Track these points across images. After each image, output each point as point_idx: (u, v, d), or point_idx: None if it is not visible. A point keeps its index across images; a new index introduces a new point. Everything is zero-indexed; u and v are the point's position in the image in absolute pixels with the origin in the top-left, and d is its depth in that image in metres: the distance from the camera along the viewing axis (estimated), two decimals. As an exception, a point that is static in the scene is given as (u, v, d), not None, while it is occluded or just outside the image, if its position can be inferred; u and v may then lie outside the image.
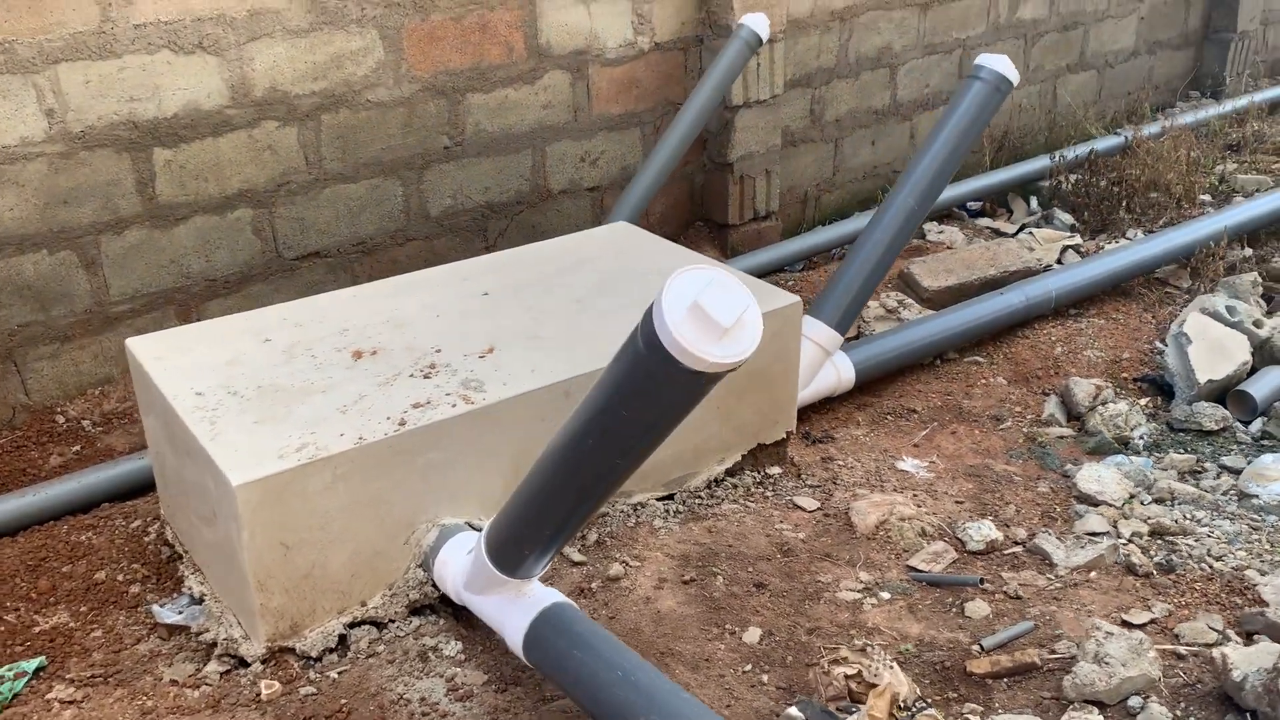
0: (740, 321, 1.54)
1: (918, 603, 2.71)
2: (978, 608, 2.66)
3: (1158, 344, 4.39)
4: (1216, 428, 3.81)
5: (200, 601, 2.83)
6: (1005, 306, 4.30)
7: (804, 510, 3.19)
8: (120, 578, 3.01)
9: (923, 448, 3.66)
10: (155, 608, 2.82)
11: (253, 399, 2.71)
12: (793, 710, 2.19)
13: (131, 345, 2.98)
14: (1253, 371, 4.07)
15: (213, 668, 2.59)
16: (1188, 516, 3.18)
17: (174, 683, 2.57)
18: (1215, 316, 4.19)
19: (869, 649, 2.41)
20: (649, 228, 5.01)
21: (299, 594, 2.55)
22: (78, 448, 3.69)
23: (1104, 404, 3.92)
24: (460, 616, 2.74)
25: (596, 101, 4.76)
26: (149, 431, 3.05)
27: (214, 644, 2.66)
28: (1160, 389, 4.14)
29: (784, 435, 3.45)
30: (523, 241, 4.73)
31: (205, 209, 3.89)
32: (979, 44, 6.24)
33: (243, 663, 2.60)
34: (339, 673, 2.54)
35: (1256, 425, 3.85)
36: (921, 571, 2.83)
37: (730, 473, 3.31)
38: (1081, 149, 6.15)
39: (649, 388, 1.66)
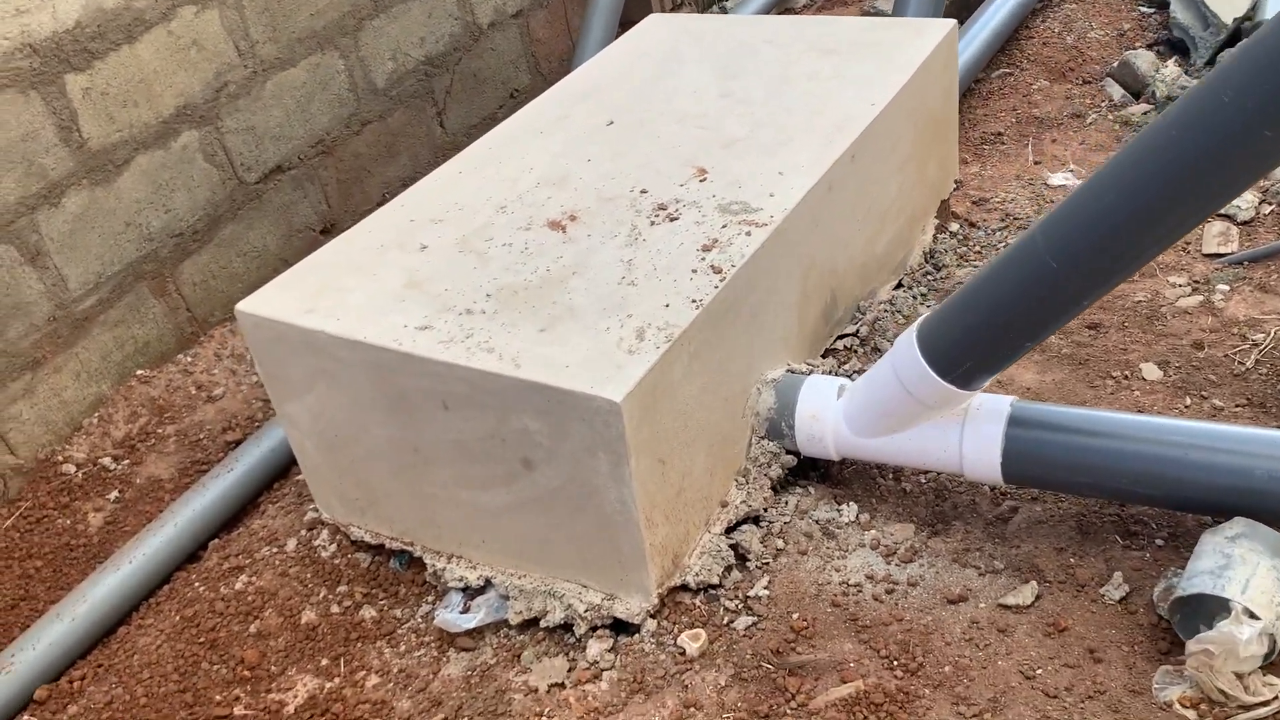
0: None
1: (1264, 281, 2.49)
2: (1329, 262, 2.47)
3: (1142, 8, 4.32)
4: (1268, 60, 3.78)
5: (482, 589, 2.18)
6: (1006, 9, 4.02)
7: (1032, 248, 2.86)
8: (336, 609, 2.28)
9: (1045, 162, 3.40)
10: (445, 616, 2.14)
11: (499, 310, 2.02)
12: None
13: (250, 308, 2.16)
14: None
15: (595, 649, 1.99)
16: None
17: (557, 686, 1.96)
18: (1207, -42, 4.12)
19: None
20: (571, 44, 4.37)
21: (675, 517, 1.98)
22: (115, 494, 2.77)
23: (1157, 70, 3.80)
24: (823, 478, 2.26)
25: (499, -94, 3.98)
26: (296, 417, 2.26)
27: (566, 625, 2.05)
28: (1174, 48, 4.07)
29: (954, 185, 3.09)
30: (470, 99, 3.97)
31: (145, 144, 2.91)
32: None
33: (624, 628, 2.02)
34: (764, 589, 2.01)
35: (1293, 49, 3.86)
36: (1226, 255, 2.60)
37: (934, 239, 2.94)
38: None
39: None
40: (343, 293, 2.16)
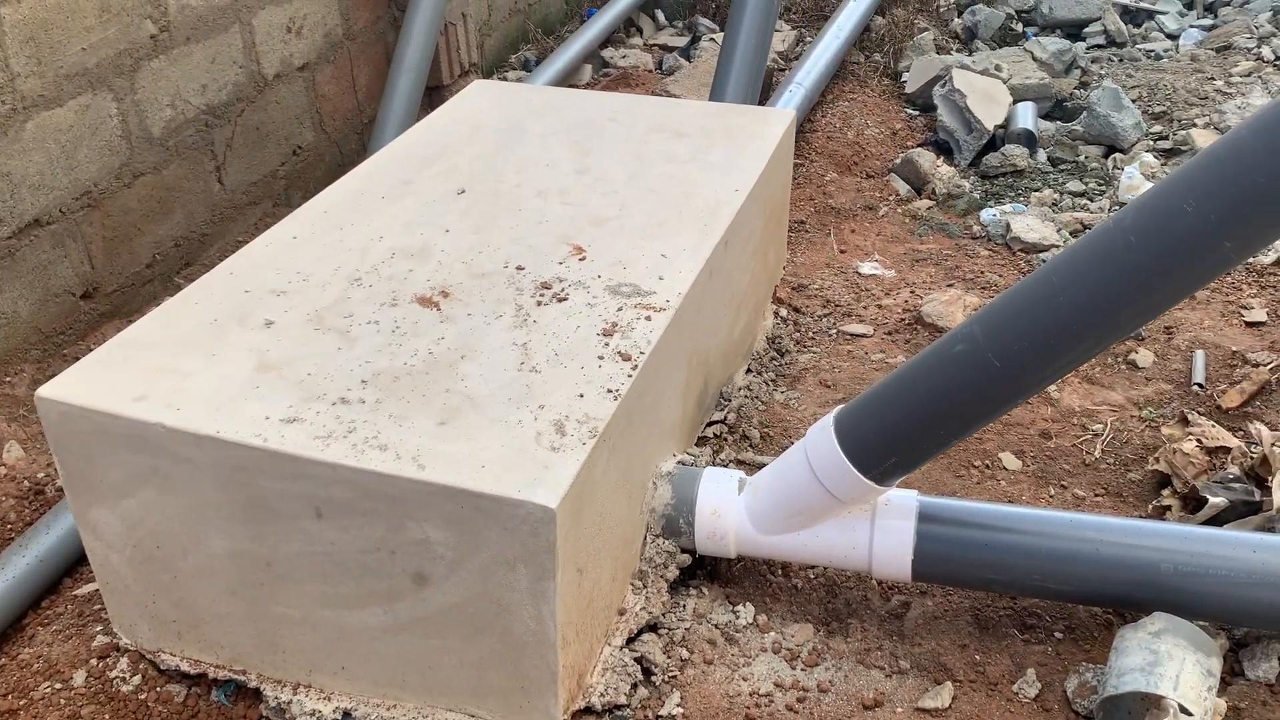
0: None
1: (1088, 372, 2.65)
2: (1144, 357, 2.66)
3: (908, 111, 4.64)
4: (1025, 165, 4.14)
5: (341, 722, 1.88)
6: (797, 99, 4.20)
7: (866, 337, 2.93)
8: (149, 756, 1.89)
9: (850, 250, 3.53)
10: (299, 761, 1.82)
11: (382, 400, 1.77)
12: (1216, 498, 2.02)
13: (55, 394, 1.77)
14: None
15: (493, 787, 1.75)
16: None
17: (451, 836, 1.70)
18: (968, 70, 4.50)
19: (1188, 418, 2.31)
20: (357, 103, 4.13)
21: (584, 631, 1.80)
22: None
23: (935, 169, 4.07)
24: (712, 577, 2.14)
25: (290, -49, 3.68)
26: (103, 525, 1.87)
27: (452, 760, 1.79)
28: (939, 148, 4.38)
29: (780, 272, 3.12)
30: (251, 154, 3.61)
31: (-128, 185, 2.39)
32: None
33: (521, 760, 1.79)
34: (677, 706, 1.85)
35: (1042, 155, 4.27)
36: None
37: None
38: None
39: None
40: (179, 376, 1.82)
